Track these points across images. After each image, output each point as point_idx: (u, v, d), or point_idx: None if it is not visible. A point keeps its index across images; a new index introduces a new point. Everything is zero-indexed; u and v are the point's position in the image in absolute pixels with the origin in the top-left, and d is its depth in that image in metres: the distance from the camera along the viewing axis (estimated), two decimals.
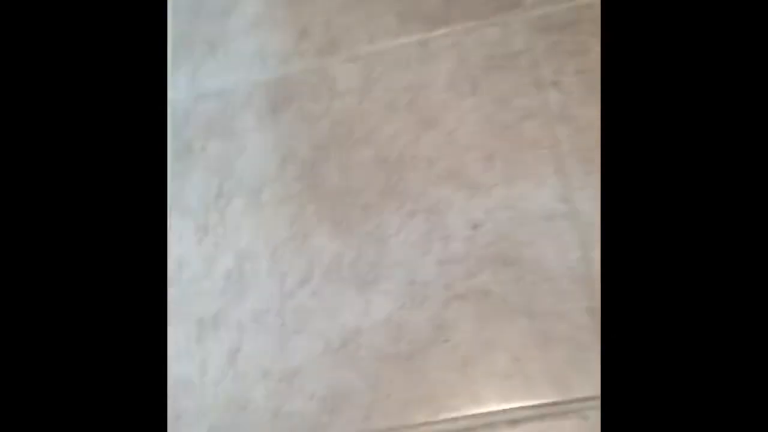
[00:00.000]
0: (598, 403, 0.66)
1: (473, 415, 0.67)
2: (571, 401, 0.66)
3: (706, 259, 0.34)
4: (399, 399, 0.69)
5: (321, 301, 0.74)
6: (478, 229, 0.74)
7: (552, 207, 0.73)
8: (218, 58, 0.88)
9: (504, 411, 0.67)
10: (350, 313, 0.73)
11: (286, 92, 0.83)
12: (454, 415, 0.67)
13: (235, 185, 0.80)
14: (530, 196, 0.74)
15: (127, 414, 0.38)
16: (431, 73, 0.81)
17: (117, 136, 0.40)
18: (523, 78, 0.78)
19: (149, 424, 0.39)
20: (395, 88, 0.81)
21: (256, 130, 0.83)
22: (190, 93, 0.86)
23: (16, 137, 0.38)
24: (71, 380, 0.38)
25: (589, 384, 0.66)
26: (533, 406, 0.67)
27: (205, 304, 0.76)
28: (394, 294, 0.72)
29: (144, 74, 0.42)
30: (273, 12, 0.88)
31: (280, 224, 0.77)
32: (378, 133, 0.80)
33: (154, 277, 0.41)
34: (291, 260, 0.76)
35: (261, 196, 0.79)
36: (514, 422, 0.66)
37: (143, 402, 0.39)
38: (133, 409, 0.38)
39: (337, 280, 0.74)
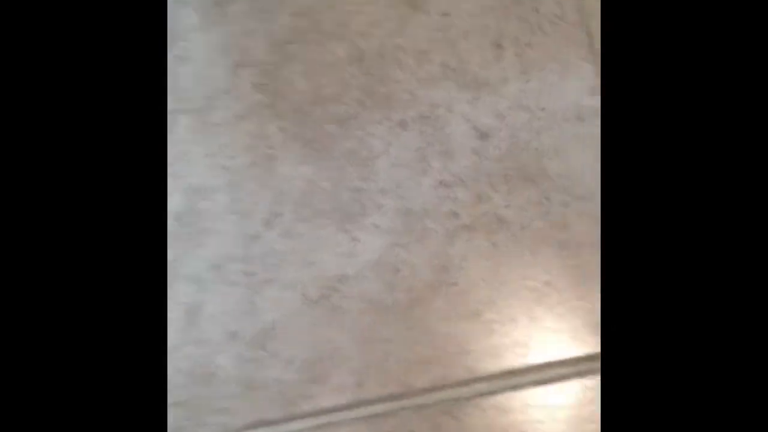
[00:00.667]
0: None
1: (493, 375, 0.53)
2: None
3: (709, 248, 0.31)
4: (399, 360, 0.54)
5: (295, 243, 0.58)
6: (488, 139, 0.57)
7: (582, 103, 0.56)
8: None
9: (531, 368, 0.53)
10: (332, 256, 0.57)
11: None
12: (467, 376, 0.53)
13: (177, 101, 0.63)
14: (553, 91, 0.57)
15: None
16: None
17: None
18: None
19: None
20: None
21: (199, 29, 0.65)
22: None
23: None
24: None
25: None
26: (569, 360, 0.52)
27: None
28: (386, 228, 0.57)
29: None
30: None
31: (237, 148, 0.61)
32: (352, 23, 0.62)
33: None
34: (254, 193, 0.60)
35: (211, 113, 0.62)
36: (545, 382, 0.52)
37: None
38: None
39: (313, 214, 0.59)
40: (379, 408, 0.54)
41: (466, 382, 0.53)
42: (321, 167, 0.59)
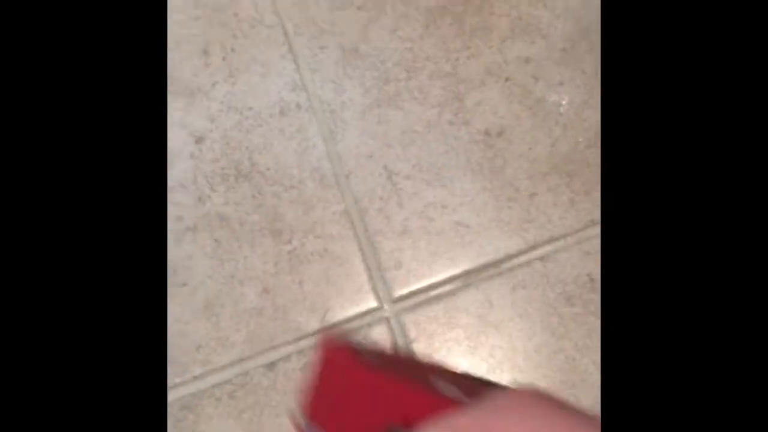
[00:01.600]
0: (362, 322, 0.55)
1: (224, 366, 0.55)
2: (332, 326, 0.55)
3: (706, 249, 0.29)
4: None
5: None
6: (203, 142, 0.59)
7: (284, 98, 0.59)
8: None
9: (259, 353, 0.55)
10: None
11: None
12: (202, 370, 0.55)
13: None
14: (258, 90, 0.59)
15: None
16: None
17: None
18: None
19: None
20: None
21: None
22: None
23: None
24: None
25: (351, 302, 0.55)
26: (291, 341, 0.55)
27: None
28: None
29: None
30: None
31: None
32: None
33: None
34: None
35: None
36: (272, 365, 0.55)
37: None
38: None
39: None
40: None
41: (202, 377, 0.55)
42: None
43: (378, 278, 0.55)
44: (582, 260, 0.54)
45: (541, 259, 0.54)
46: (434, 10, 0.60)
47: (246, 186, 0.58)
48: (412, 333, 0.54)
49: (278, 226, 0.57)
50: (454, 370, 0.27)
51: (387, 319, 0.55)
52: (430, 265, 0.55)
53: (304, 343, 0.55)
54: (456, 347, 0.54)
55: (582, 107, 0.57)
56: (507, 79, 0.58)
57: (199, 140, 0.59)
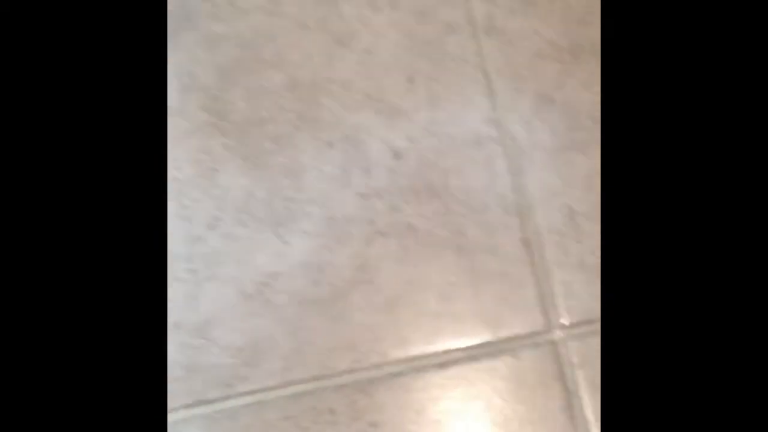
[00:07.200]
0: (530, 341, 0.56)
1: (400, 360, 0.57)
2: (503, 340, 0.57)
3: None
4: (321, 346, 0.58)
5: (233, 245, 0.61)
6: (401, 158, 0.61)
7: (479, 130, 0.61)
8: None
9: (433, 354, 0.57)
10: (266, 256, 0.60)
11: (184, 12, 0.68)
12: (379, 360, 0.57)
13: None
14: (456, 120, 0.61)
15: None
16: None
17: None
18: None
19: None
20: (306, 4, 0.66)
21: None
22: None
23: None
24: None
25: (522, 321, 0.57)
26: (464, 348, 0.57)
27: None
28: (313, 233, 0.60)
29: None
30: None
31: (184, 160, 0.64)
32: (288, 54, 0.65)
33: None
34: (199, 200, 0.62)
35: None
36: (444, 365, 0.56)
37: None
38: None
39: (250, 220, 0.62)
40: (303, 388, 0.57)
41: (379, 366, 0.57)
42: (257, 179, 0.62)
43: (550, 304, 0.57)
44: None
45: None
46: None
47: (436, 203, 0.60)
48: (576, 359, 0.56)
49: (461, 242, 0.59)
50: None
51: (554, 342, 0.56)
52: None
53: (477, 351, 0.56)
54: None
55: None
56: None
57: (396, 156, 0.61)
